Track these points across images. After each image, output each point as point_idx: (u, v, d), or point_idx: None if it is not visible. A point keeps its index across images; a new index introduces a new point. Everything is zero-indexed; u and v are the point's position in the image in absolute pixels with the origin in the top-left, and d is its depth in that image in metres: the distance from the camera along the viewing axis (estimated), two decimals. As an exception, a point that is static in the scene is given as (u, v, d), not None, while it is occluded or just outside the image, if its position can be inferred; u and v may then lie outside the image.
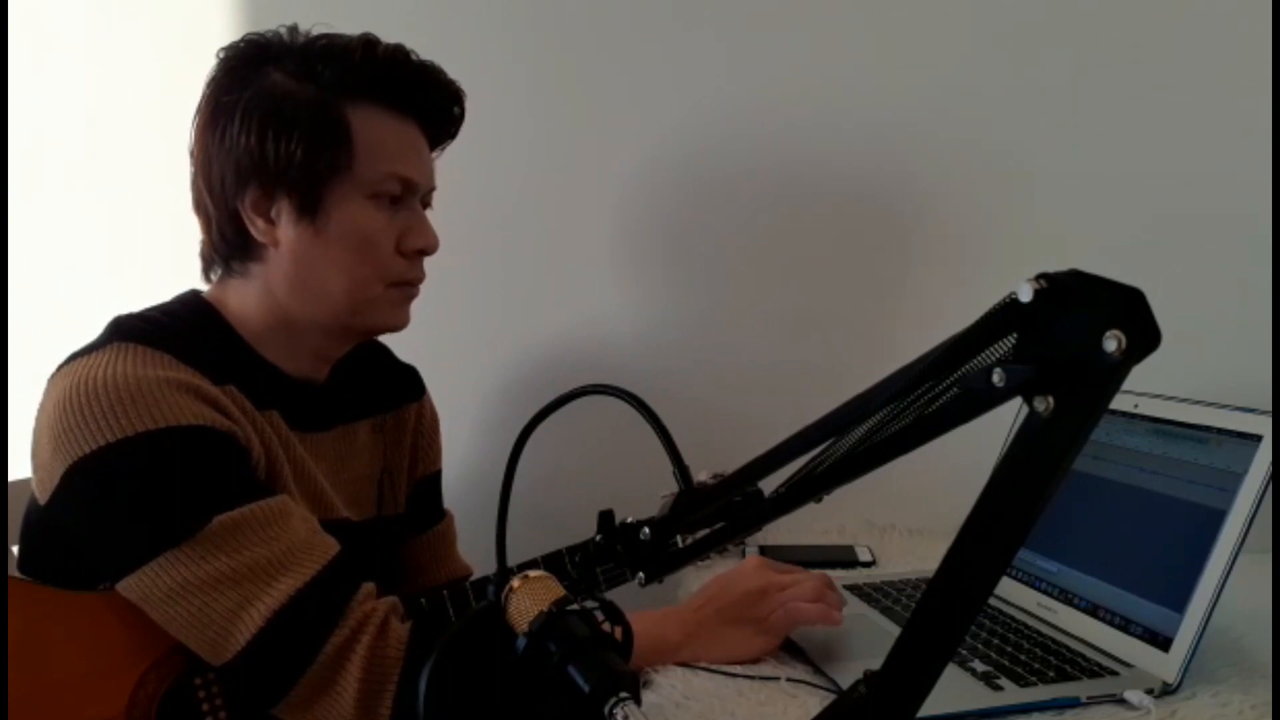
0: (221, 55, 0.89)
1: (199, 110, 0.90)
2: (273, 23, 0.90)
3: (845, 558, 1.22)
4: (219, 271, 0.93)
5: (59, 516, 0.80)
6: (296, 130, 0.85)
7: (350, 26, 0.90)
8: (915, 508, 1.29)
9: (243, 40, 0.89)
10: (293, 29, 0.89)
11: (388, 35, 0.90)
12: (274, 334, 0.91)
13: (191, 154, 0.90)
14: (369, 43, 0.88)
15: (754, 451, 0.56)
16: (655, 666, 0.88)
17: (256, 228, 0.88)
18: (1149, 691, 0.79)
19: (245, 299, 0.91)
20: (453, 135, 0.98)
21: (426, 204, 0.97)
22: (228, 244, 0.90)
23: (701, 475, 0.63)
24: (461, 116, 0.97)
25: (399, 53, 0.89)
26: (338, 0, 0.97)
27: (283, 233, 0.88)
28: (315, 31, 0.90)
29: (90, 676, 0.80)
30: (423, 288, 0.96)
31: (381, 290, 0.91)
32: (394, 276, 0.91)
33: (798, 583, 0.93)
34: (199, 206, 0.91)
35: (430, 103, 0.92)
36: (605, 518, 0.66)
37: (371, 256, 0.89)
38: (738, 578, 0.93)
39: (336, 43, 0.88)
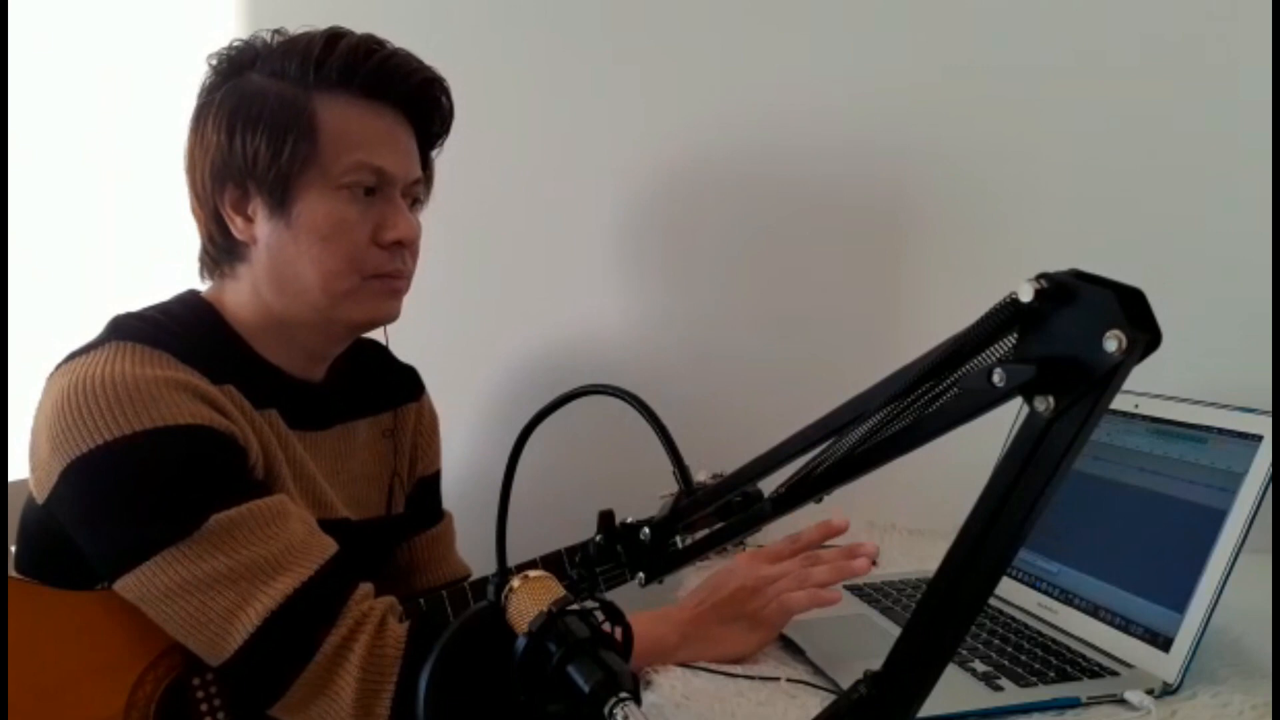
0: (210, 61, 0.90)
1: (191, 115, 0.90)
2: (273, 22, 0.90)
3: (845, 558, 1.22)
4: (215, 273, 0.93)
5: (57, 515, 0.80)
6: (260, 125, 0.85)
7: (351, 26, 0.89)
8: (915, 508, 1.29)
9: (228, 46, 0.90)
10: (276, 32, 0.89)
11: (387, 35, 0.90)
12: (268, 333, 0.91)
13: (185, 158, 0.91)
14: (333, 35, 0.87)
15: (754, 451, 0.56)
16: (654, 667, 0.88)
17: (236, 227, 0.88)
18: (1149, 692, 0.79)
19: (239, 299, 0.91)
20: (445, 127, 0.97)
21: (414, 196, 0.94)
22: (216, 245, 0.91)
23: (701, 475, 0.63)
24: (450, 106, 0.95)
25: (364, 41, 0.88)
26: (344, 3, 0.97)
27: (259, 230, 0.88)
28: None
29: (88, 676, 0.80)
30: (422, 287, 0.95)
31: (359, 282, 0.89)
32: (370, 268, 0.89)
33: (786, 573, 0.93)
34: (192, 209, 0.92)
35: (406, 91, 0.90)
36: (605, 518, 0.66)
37: (342, 248, 0.87)
38: (729, 575, 0.93)
39: (301, 38, 0.88)
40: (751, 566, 0.94)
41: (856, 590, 1.07)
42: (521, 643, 0.54)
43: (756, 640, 0.91)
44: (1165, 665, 0.82)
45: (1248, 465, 0.83)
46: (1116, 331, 0.37)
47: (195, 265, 0.95)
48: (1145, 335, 0.38)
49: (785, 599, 0.90)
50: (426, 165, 0.98)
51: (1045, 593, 0.98)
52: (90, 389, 0.77)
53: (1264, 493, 0.81)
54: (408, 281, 0.94)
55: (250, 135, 0.85)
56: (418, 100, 0.92)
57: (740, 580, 0.92)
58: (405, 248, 0.91)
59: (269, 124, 0.85)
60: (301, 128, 0.85)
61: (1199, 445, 0.88)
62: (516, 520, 0.65)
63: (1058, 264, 0.42)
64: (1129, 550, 0.92)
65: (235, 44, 0.90)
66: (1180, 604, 0.82)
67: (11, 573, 0.88)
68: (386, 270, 0.90)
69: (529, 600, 0.56)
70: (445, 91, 0.94)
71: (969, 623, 0.45)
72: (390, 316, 0.94)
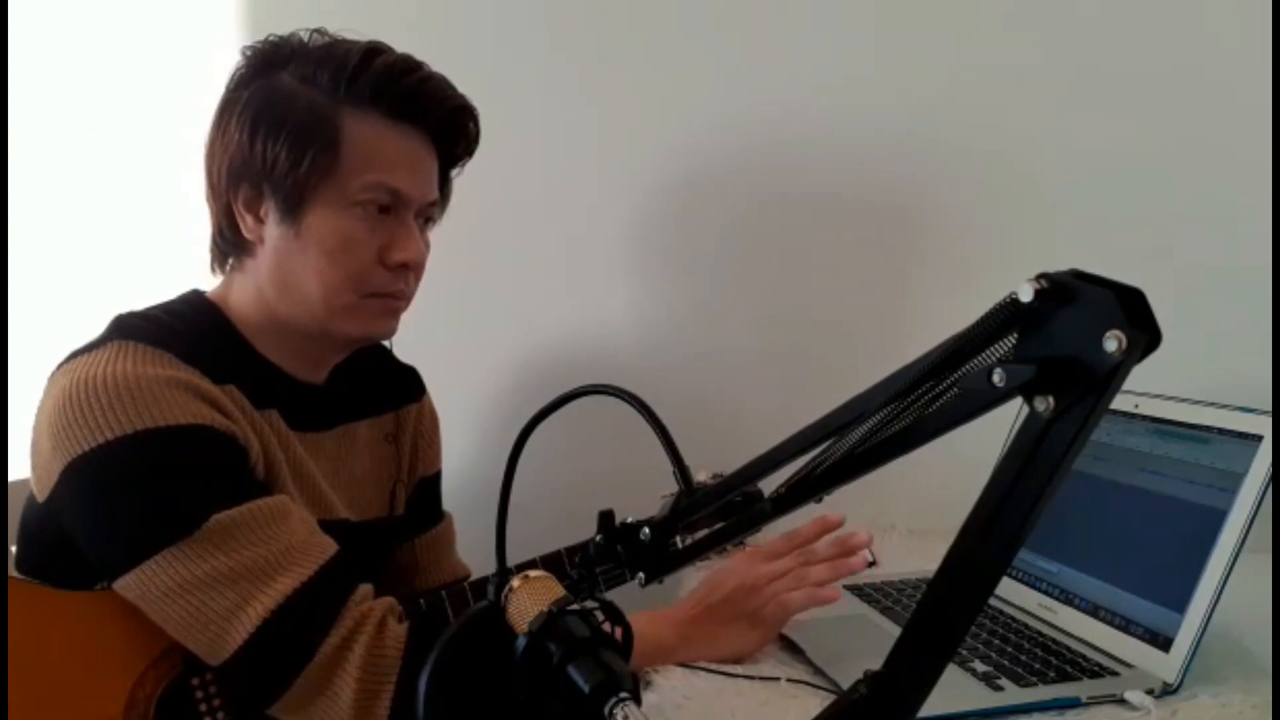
0: (245, 53, 0.89)
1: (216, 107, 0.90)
2: (278, 23, 0.90)
3: (845, 558, 1.22)
4: (224, 263, 0.93)
5: (57, 514, 0.80)
6: (284, 132, 0.84)
7: (355, 28, 0.89)
8: (915, 508, 1.29)
9: (263, 40, 0.89)
10: (316, 32, 0.89)
11: (393, 37, 0.90)
12: (270, 333, 0.91)
13: (204, 148, 0.91)
14: (371, 50, 0.86)
15: (754, 451, 0.55)
16: (654, 667, 0.88)
17: (246, 225, 0.88)
18: (1149, 692, 0.79)
19: (243, 296, 0.91)
20: (468, 151, 0.97)
21: (428, 217, 0.94)
22: (225, 239, 0.91)
23: (701, 475, 0.63)
24: (476, 133, 0.95)
25: (401, 62, 0.87)
26: (344, 3, 0.97)
27: (268, 232, 0.87)
28: (339, 36, 0.89)
29: (88, 676, 0.80)
30: (423, 288, 0.95)
31: (357, 299, 0.88)
32: (371, 286, 0.89)
33: (783, 571, 0.93)
34: (206, 199, 0.92)
35: (436, 116, 0.90)
36: (605, 518, 0.66)
37: (346, 264, 0.87)
38: (727, 575, 0.93)
39: (339, 48, 0.87)
40: (749, 565, 0.94)
41: (856, 590, 1.07)
42: (521, 643, 0.54)
43: (756, 640, 0.91)
44: (1165, 665, 0.82)
45: (1248, 465, 0.83)
46: (1116, 332, 0.37)
47: (197, 265, 0.95)
48: (1145, 335, 0.38)
49: (784, 598, 0.90)
50: (445, 184, 0.97)
51: (1045, 593, 0.98)
52: (92, 388, 0.77)
53: (1264, 493, 0.81)
54: (408, 302, 0.94)
55: (272, 140, 0.84)
56: (446, 126, 0.92)
57: (738, 580, 0.92)
58: (410, 270, 0.91)
59: (292, 131, 0.84)
60: (325, 140, 0.84)
61: (1199, 445, 0.88)
62: (516, 520, 0.65)
63: (1058, 264, 0.42)
64: (1129, 550, 0.92)
65: (272, 39, 0.89)
66: (1180, 604, 0.83)
67: (11, 573, 0.88)
68: (388, 290, 0.90)
69: (529, 600, 0.56)
70: (474, 119, 0.94)
71: (969, 623, 0.45)
72: (386, 334, 0.94)
